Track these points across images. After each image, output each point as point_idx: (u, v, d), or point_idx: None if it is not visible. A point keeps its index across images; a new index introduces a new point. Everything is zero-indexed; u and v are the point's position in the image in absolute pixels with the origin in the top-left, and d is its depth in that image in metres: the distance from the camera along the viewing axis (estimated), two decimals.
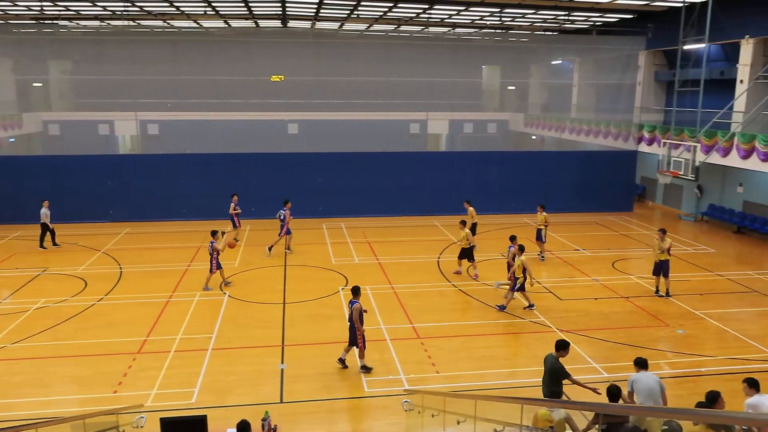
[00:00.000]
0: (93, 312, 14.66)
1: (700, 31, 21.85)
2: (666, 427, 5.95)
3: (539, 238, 19.31)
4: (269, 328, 13.74)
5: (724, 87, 24.03)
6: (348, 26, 33.73)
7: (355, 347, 11.58)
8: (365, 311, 11.65)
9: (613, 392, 8.04)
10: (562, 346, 9.24)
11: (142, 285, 16.66)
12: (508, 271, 15.38)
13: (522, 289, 14.56)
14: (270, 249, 19.65)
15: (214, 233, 16.44)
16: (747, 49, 22.34)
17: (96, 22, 31.10)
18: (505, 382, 11.28)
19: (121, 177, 24.30)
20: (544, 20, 30.73)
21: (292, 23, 32.07)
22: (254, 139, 27.56)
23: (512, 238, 15.76)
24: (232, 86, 30.63)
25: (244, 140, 27.30)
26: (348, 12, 28.68)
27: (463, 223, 17.88)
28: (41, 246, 20.10)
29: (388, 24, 32.64)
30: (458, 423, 7.97)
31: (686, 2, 22.75)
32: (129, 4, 26.33)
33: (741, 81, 22.59)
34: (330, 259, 19.40)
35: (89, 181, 23.88)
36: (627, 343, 12.93)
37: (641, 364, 8.66)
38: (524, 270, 14.42)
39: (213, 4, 26.63)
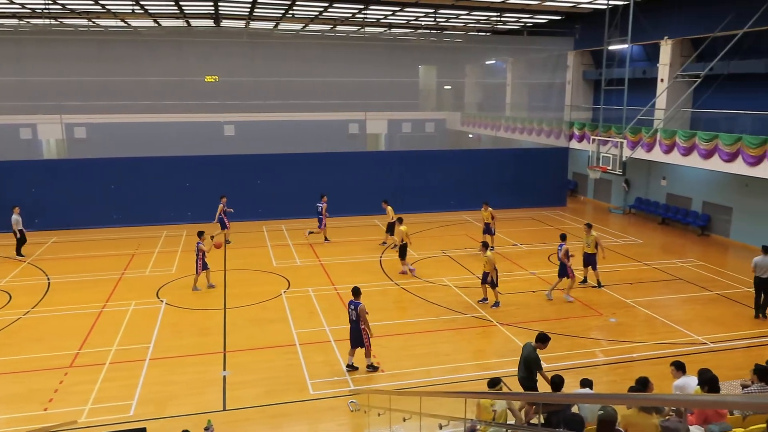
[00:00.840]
0: (19, 326, 13.93)
1: (623, 33, 22.86)
2: (602, 412, 6.20)
3: (488, 231, 20.26)
4: (210, 334, 13.44)
5: (646, 85, 25.24)
6: (283, 26, 33.38)
7: (360, 347, 11.55)
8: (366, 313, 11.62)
9: (557, 382, 8.34)
10: (542, 339, 9.45)
11: (73, 296, 15.94)
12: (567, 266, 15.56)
13: (491, 283, 14.80)
14: (309, 233, 21.43)
15: (200, 234, 16.44)
16: (666, 49, 23.55)
17: (14, 21, 29.50)
18: (449, 377, 11.46)
19: (47, 183, 23.17)
20: (478, 21, 31.38)
21: (225, 23, 31.43)
22: (189, 141, 26.83)
23: (563, 237, 16.02)
24: (165, 87, 29.69)
25: (179, 143, 26.53)
26: (283, 12, 28.38)
27: (400, 220, 18.09)
28: (19, 254, 19.56)
29: (323, 24, 32.50)
30: (404, 420, 8.05)
31: (610, 5, 23.75)
32: (50, 2, 25.12)
33: (661, 80, 23.79)
34: (271, 261, 19.16)
35: (11, 188, 22.64)
36: (564, 333, 13.39)
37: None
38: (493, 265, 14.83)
39: (141, 3, 25.76)
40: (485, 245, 15.26)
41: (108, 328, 13.76)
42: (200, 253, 16.07)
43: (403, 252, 17.61)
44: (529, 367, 9.40)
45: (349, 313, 11.62)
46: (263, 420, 10.06)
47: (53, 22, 29.30)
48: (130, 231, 22.91)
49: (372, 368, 11.65)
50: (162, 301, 15.55)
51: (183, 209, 24.18)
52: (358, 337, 11.45)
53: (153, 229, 23.27)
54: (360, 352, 11.65)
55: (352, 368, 11.65)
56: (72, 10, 27.17)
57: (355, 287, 11.84)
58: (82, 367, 11.84)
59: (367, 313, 11.57)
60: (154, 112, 29.54)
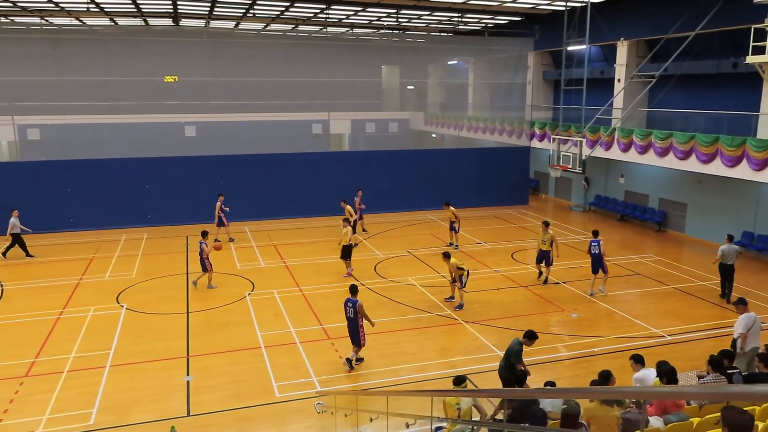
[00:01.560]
0: None
1: (582, 34, 23.36)
2: (565, 406, 6.32)
3: (452, 229, 20.45)
4: (172, 339, 13.19)
5: (604, 85, 25.84)
6: (244, 25, 33.00)
7: (357, 346, 11.73)
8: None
9: (520, 376, 8.47)
10: (529, 336, 9.64)
11: (28, 303, 15.43)
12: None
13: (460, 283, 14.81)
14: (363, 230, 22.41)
15: (204, 234, 16.72)
16: (622, 50, 24.16)
17: None
18: (416, 376, 11.52)
19: None
20: (439, 22, 31.61)
21: (184, 22, 30.88)
22: (149, 142, 26.30)
23: (596, 233, 16.12)
24: (123, 87, 29.04)
25: (138, 144, 25.99)
26: (244, 11, 28.05)
27: (347, 221, 18.02)
28: (4, 255, 19.27)
29: (286, 24, 32.26)
30: (371, 420, 8.05)
31: (568, 6, 24.23)
32: None
33: (618, 80, 24.39)
34: (235, 264, 18.93)
35: None
36: (527, 329, 13.57)
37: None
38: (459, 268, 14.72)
39: (96, 1, 25.10)
40: (446, 255, 14.95)
41: (66, 335, 13.38)
42: (203, 253, 16.19)
43: (346, 253, 17.44)
44: (507, 358, 9.70)
45: (346, 311, 11.75)
46: (228, 424, 9.92)
47: (3, 19, 28.33)
48: (87, 235, 22.32)
49: (358, 361, 11.91)
50: (122, 306, 15.19)
51: (143, 212, 23.67)
52: (354, 334, 11.70)
53: (112, 233, 22.72)
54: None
55: (360, 360, 11.93)
56: (24, 8, 26.30)
57: (353, 285, 12.13)
58: (39, 375, 11.47)
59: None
60: (112, 112, 28.87)
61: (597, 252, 15.67)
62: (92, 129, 28.38)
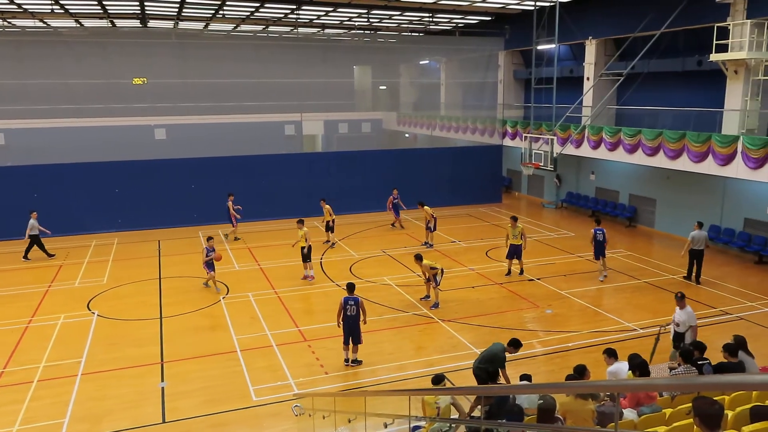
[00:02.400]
0: None
1: (551, 33, 23.63)
2: (541, 401, 6.39)
3: (428, 228, 20.63)
4: (145, 345, 12.98)
5: (574, 84, 26.20)
6: (214, 26, 32.63)
7: (358, 343, 11.81)
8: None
9: (491, 373, 8.53)
10: (514, 344, 9.46)
11: None
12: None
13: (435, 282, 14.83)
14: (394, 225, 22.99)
15: (209, 239, 16.51)
16: (591, 49, 24.55)
17: None
18: (393, 375, 11.53)
19: None
20: (410, 22, 31.70)
21: (152, 23, 30.43)
22: (118, 146, 25.84)
23: (599, 221, 17.20)
24: (90, 90, 28.48)
25: (107, 148, 25.50)
26: (213, 12, 27.75)
27: (301, 222, 17.42)
28: (25, 257, 19.51)
29: (256, 24, 32.01)
30: (349, 421, 8.03)
31: (537, 6, 24.50)
32: None
33: (587, 78, 24.77)
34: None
35: None
36: (503, 326, 13.73)
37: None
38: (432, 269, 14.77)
39: (61, 2, 24.58)
40: (418, 257, 14.98)
41: (35, 343, 13.07)
42: (207, 258, 16.04)
43: (306, 256, 17.08)
44: (492, 362, 9.43)
45: (346, 309, 11.72)
46: (204, 430, 9.80)
47: None
48: (56, 241, 21.81)
49: (357, 362, 11.95)
50: (93, 312, 14.90)
51: (113, 216, 23.26)
52: (357, 332, 11.74)
53: (81, 239, 22.27)
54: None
55: (357, 362, 11.90)
56: None
57: (350, 283, 12.23)
58: (8, 386, 11.19)
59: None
60: (79, 116, 28.30)
61: (601, 239, 16.53)
62: (59, 133, 27.77)
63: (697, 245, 16.33)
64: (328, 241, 21.02)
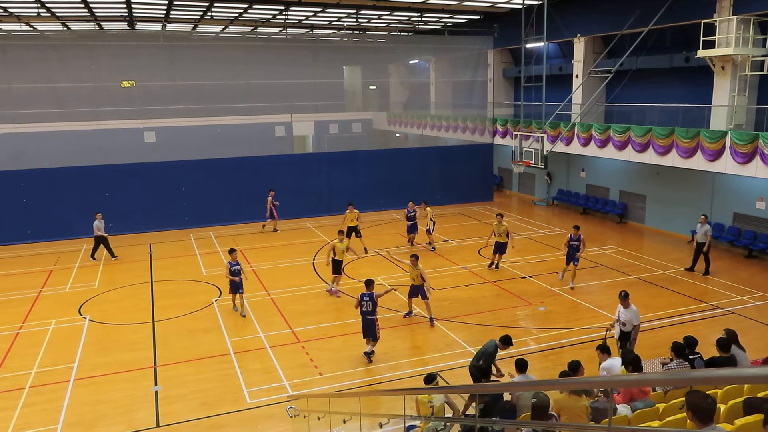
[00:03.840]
0: None
1: (539, 31, 23.70)
2: (535, 400, 6.41)
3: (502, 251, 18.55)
4: (138, 349, 12.91)
5: (563, 81, 26.30)
6: (202, 28, 32.47)
7: (372, 338, 12.05)
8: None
9: (484, 371, 8.55)
10: (505, 341, 9.49)
11: None
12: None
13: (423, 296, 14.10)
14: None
15: (232, 251, 14.90)
16: (579, 47, 24.65)
17: None
18: (387, 375, 11.54)
19: None
20: (399, 21, 31.68)
21: (140, 25, 30.24)
22: (107, 149, 25.65)
23: (577, 227, 16.30)
24: (77, 93, 28.24)
25: (96, 151, 25.30)
26: (201, 13, 27.63)
27: (342, 233, 16.54)
28: (92, 257, 19.88)
29: (244, 26, 31.88)
30: (344, 422, 8.03)
31: (525, 4, 24.57)
32: None
33: (576, 76, 24.87)
34: (201, 270, 18.63)
35: None
36: (496, 324, 13.76)
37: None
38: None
39: (47, 5, 24.36)
40: (414, 258, 14.06)
41: (26, 349, 12.97)
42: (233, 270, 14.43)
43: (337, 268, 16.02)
44: (484, 359, 9.55)
45: (362, 305, 11.89)
46: None
47: None
48: (46, 246, 21.69)
49: (370, 354, 12.17)
50: (85, 317, 14.81)
51: (104, 220, 23.08)
52: (372, 329, 11.93)
53: (72, 243, 22.12)
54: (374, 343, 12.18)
55: (367, 355, 12.13)
56: None
57: (369, 279, 12.32)
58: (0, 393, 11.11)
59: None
60: (67, 120, 28.05)
61: (576, 246, 16.04)
62: (47, 137, 27.53)
63: (699, 239, 16.84)
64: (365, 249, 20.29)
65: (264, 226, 23.47)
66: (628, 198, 23.93)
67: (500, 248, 17.49)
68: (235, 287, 14.50)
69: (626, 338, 10.79)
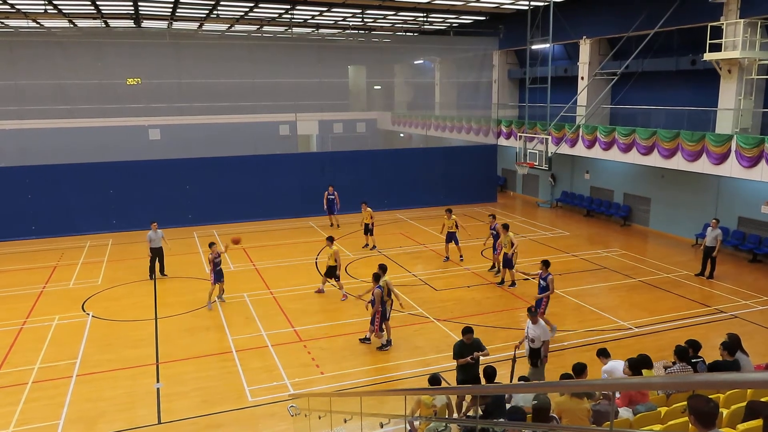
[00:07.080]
0: None
1: (545, 32, 23.66)
2: (535, 402, 6.40)
3: (456, 241, 18.87)
4: (141, 346, 12.94)
5: (568, 83, 26.25)
6: (208, 26, 32.55)
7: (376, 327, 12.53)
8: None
9: (489, 372, 8.51)
10: (464, 331, 9.54)
11: None
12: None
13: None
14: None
15: (212, 244, 15.27)
16: (585, 48, 24.60)
17: None
18: (389, 375, 11.53)
19: None
20: (405, 21, 31.69)
21: (146, 23, 30.32)
22: (112, 146, 25.74)
23: (546, 263, 13.35)
24: (83, 91, 28.35)
25: (101, 148, 25.39)
26: (207, 12, 27.68)
27: (330, 239, 16.12)
28: (151, 277, 17.67)
29: (250, 24, 31.94)
30: (345, 421, 8.03)
31: (531, 6, 24.54)
32: None
33: (582, 77, 24.81)
34: (203, 268, 18.65)
35: None
36: (499, 325, 13.74)
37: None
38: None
39: (54, 3, 24.47)
40: (383, 269, 13.35)
41: (30, 345, 13.01)
42: (211, 264, 14.93)
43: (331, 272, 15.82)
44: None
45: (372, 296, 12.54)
46: (200, 431, 9.78)
47: None
48: (50, 242, 21.76)
49: (367, 340, 12.78)
50: (88, 314, 14.84)
51: (108, 217, 23.19)
52: (372, 318, 12.55)
53: (76, 240, 22.19)
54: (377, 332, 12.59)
55: (389, 343, 12.62)
56: None
57: (377, 271, 12.83)
58: (2, 388, 11.13)
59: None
60: (73, 117, 28.15)
61: (545, 285, 13.12)
62: (53, 134, 27.65)
63: (709, 242, 16.77)
64: (367, 245, 20.59)
65: (332, 225, 23.79)
66: (633, 201, 23.86)
67: (506, 260, 16.50)
68: (219, 277, 15.18)
69: (536, 355, 10.24)
